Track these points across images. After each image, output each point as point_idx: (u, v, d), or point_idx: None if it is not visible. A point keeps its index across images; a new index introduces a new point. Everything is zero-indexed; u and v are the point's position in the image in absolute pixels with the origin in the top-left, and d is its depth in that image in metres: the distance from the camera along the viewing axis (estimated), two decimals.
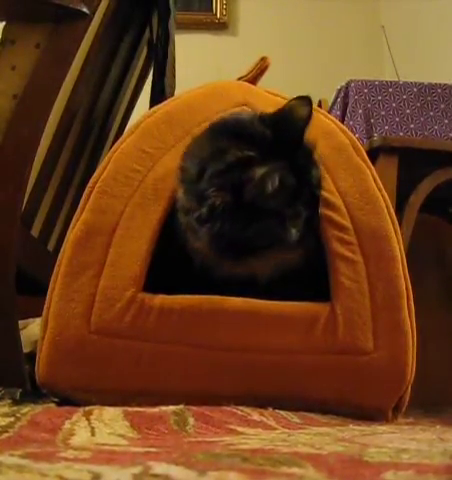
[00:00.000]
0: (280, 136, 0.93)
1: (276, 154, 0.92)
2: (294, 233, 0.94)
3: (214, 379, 0.98)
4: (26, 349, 1.26)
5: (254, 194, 0.90)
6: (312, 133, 1.10)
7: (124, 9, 1.55)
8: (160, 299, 0.98)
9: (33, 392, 1.05)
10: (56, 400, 0.97)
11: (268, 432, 0.73)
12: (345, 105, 2.23)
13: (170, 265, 0.99)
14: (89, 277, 0.99)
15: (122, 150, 1.06)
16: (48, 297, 0.99)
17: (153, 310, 0.98)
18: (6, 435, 0.57)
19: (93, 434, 0.62)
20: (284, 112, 0.95)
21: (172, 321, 0.98)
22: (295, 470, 0.39)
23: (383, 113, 2.19)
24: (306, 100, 0.94)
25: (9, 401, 0.91)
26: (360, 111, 2.18)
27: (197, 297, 0.98)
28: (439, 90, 2.23)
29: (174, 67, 1.82)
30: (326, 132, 1.11)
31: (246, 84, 1.21)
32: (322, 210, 1.02)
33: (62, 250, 1.01)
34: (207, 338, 0.98)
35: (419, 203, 1.75)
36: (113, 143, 1.44)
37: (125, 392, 0.96)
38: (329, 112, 2.23)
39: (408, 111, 2.20)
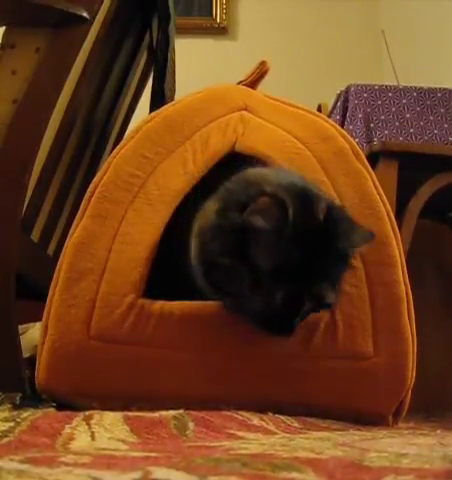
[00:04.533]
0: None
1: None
2: (259, 302, 0.88)
3: (214, 384, 0.98)
4: (26, 354, 1.25)
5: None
6: (312, 137, 1.11)
7: (124, 14, 1.56)
8: (160, 305, 0.98)
9: (33, 397, 1.05)
10: (56, 405, 0.97)
11: (268, 437, 0.73)
12: (345, 109, 2.23)
13: (170, 271, 0.99)
14: (89, 282, 0.99)
15: (122, 155, 1.06)
16: (48, 302, 1.00)
17: (153, 316, 0.98)
18: (6, 440, 0.57)
19: (93, 439, 0.62)
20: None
21: (172, 327, 0.98)
22: (295, 475, 0.39)
23: (383, 117, 2.19)
24: None
25: (9, 406, 0.91)
26: (360, 115, 2.18)
27: (196, 303, 0.98)
28: (439, 94, 2.23)
29: (174, 71, 1.82)
30: (326, 137, 1.11)
31: (246, 88, 1.21)
32: None
33: (62, 255, 1.01)
34: (206, 344, 0.98)
35: (419, 208, 1.75)
36: (113, 148, 1.44)
37: (125, 397, 0.96)
38: (329, 116, 2.23)
39: (408, 115, 2.20)
